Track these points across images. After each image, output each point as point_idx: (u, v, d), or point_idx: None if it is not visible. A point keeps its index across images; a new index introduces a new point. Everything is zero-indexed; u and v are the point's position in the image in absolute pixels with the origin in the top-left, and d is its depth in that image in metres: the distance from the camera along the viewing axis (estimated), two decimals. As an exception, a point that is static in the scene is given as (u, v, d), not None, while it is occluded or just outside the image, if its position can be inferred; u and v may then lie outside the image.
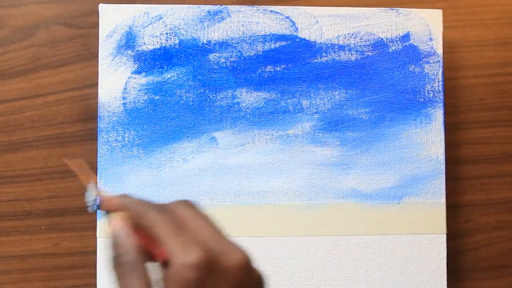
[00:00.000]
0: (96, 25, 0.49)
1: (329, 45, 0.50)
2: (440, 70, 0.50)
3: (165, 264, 0.28)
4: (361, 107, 0.50)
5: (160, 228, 0.28)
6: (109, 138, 0.48)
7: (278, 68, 0.49)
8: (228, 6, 0.49)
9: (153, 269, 0.30)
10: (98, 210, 0.32)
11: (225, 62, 0.49)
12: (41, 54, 0.51)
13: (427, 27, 0.50)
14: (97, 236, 0.47)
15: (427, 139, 0.50)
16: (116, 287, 0.30)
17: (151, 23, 0.49)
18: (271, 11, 0.49)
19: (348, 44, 0.50)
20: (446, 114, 0.51)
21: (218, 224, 0.29)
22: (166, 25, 0.49)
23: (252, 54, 0.49)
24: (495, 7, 0.54)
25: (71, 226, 0.50)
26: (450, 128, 0.52)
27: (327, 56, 0.50)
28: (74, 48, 0.51)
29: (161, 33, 0.49)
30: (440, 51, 0.50)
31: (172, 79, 0.48)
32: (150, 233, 0.29)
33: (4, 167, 0.50)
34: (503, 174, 0.53)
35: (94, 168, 0.49)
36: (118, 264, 0.30)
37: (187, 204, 0.30)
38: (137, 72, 0.48)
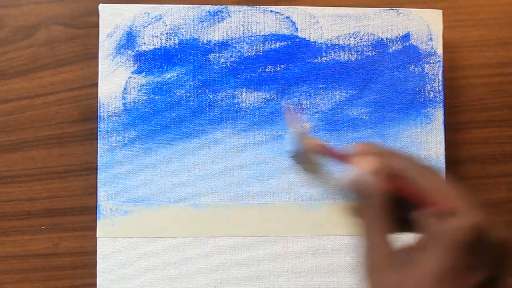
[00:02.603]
0: (96, 25, 0.49)
1: (329, 45, 0.50)
2: (440, 70, 0.50)
3: (442, 213, 0.27)
4: (361, 107, 0.50)
5: (432, 184, 0.28)
6: (109, 138, 0.48)
7: (278, 68, 0.49)
8: (228, 6, 0.49)
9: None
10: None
11: (225, 62, 0.49)
12: (41, 54, 0.51)
13: (427, 27, 0.50)
14: (97, 236, 0.47)
15: (427, 139, 0.50)
16: (360, 229, 0.29)
17: (151, 23, 0.49)
18: (271, 11, 0.49)
19: (348, 44, 0.50)
20: (446, 114, 0.51)
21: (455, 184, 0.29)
22: (166, 25, 0.49)
23: (252, 54, 0.49)
24: (495, 7, 0.54)
25: (71, 226, 0.50)
26: (450, 128, 0.52)
27: (327, 56, 0.50)
28: (74, 48, 0.51)
29: (161, 33, 0.49)
30: (440, 51, 0.50)
31: (172, 79, 0.48)
32: (415, 185, 0.28)
33: (4, 167, 0.50)
34: (503, 174, 0.53)
35: (94, 168, 0.49)
36: (366, 206, 0.29)
37: (416, 159, 0.30)
38: (137, 72, 0.48)
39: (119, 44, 0.48)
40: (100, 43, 0.48)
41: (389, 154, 0.30)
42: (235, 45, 0.49)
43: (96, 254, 0.47)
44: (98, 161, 0.47)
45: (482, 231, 0.27)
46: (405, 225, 0.30)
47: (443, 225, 0.27)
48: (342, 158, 0.32)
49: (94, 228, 0.48)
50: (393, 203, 0.29)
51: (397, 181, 0.29)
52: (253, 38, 0.49)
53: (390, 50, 0.50)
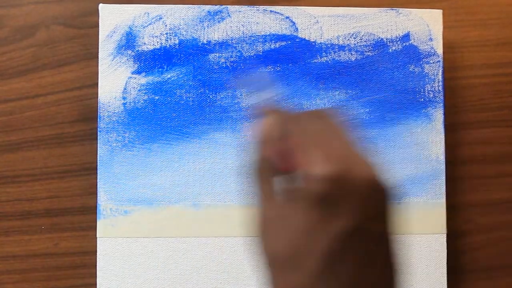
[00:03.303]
0: (96, 25, 0.49)
1: (329, 45, 0.50)
2: (440, 70, 0.50)
3: (291, 172, 0.28)
4: (361, 107, 0.50)
5: (301, 137, 0.28)
6: (109, 138, 0.48)
7: (278, 68, 0.49)
8: (228, 6, 0.49)
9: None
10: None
11: (225, 62, 0.49)
12: (41, 54, 0.51)
13: (427, 27, 0.50)
14: (97, 236, 0.47)
15: (427, 139, 0.50)
16: (255, 187, 0.29)
17: (151, 23, 0.49)
18: (271, 11, 0.49)
19: (348, 44, 0.50)
20: (446, 114, 0.51)
21: (352, 137, 0.29)
22: (166, 25, 0.49)
23: (252, 54, 0.49)
24: (495, 7, 0.54)
25: (71, 226, 0.50)
26: (450, 128, 0.52)
27: (327, 56, 0.50)
28: (74, 48, 0.51)
29: (161, 33, 0.49)
30: (440, 51, 0.50)
31: (172, 79, 0.48)
32: (285, 145, 0.29)
33: (4, 167, 0.50)
34: (503, 174, 0.53)
35: (94, 168, 0.49)
36: (262, 166, 0.29)
37: (321, 114, 0.30)
38: (137, 72, 0.48)
39: (119, 44, 0.48)
40: (100, 43, 0.48)
41: (274, 117, 0.30)
42: (235, 45, 0.49)
43: (96, 254, 0.47)
44: (98, 161, 0.47)
45: (332, 181, 0.26)
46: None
47: (297, 183, 0.27)
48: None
49: (94, 228, 0.48)
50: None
51: (283, 143, 0.29)
52: (253, 38, 0.49)
53: (390, 50, 0.50)
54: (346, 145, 0.29)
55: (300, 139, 0.28)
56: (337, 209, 0.26)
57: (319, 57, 0.49)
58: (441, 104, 0.50)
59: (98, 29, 0.48)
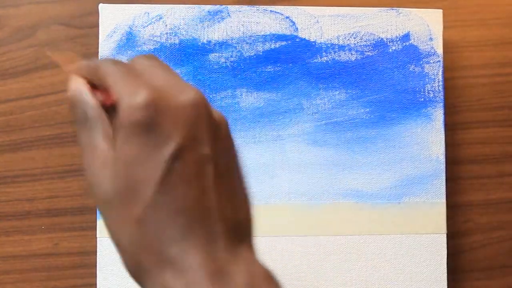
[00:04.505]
0: (96, 25, 0.49)
1: (329, 45, 0.50)
2: (440, 70, 0.50)
3: (110, 107, 0.28)
4: (361, 107, 0.50)
5: (111, 77, 0.28)
6: (109, 138, 0.48)
7: (278, 68, 0.49)
8: (228, 6, 0.49)
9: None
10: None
11: (225, 62, 0.49)
12: (41, 54, 0.51)
13: (427, 27, 0.50)
14: (97, 236, 0.47)
15: (427, 139, 0.50)
16: (79, 142, 0.29)
17: (151, 23, 0.49)
18: (271, 11, 0.49)
19: (348, 44, 0.50)
20: (446, 114, 0.51)
21: (177, 74, 0.29)
22: (166, 25, 0.49)
23: (252, 54, 0.49)
24: (495, 7, 0.54)
25: (71, 226, 0.50)
26: (450, 128, 0.52)
27: (327, 56, 0.50)
28: (74, 48, 0.51)
29: (161, 33, 0.49)
30: (440, 51, 0.50)
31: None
32: (103, 85, 0.28)
33: (4, 167, 0.50)
34: (503, 174, 0.53)
35: (94, 168, 0.49)
36: (80, 122, 0.29)
37: (148, 56, 0.29)
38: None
39: (119, 44, 0.48)
40: (100, 43, 0.48)
41: (87, 63, 0.30)
42: (235, 45, 0.49)
43: (96, 254, 0.47)
44: (98, 161, 0.47)
45: (151, 104, 0.26)
46: None
47: (117, 116, 0.27)
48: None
49: (94, 228, 0.48)
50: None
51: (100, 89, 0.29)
52: (253, 38, 0.49)
53: (390, 50, 0.50)
54: (167, 75, 0.28)
55: (117, 74, 0.28)
56: (161, 135, 0.26)
57: (319, 57, 0.49)
58: (441, 104, 0.50)
59: (98, 29, 0.48)
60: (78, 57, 0.32)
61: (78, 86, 0.29)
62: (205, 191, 0.26)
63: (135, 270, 0.26)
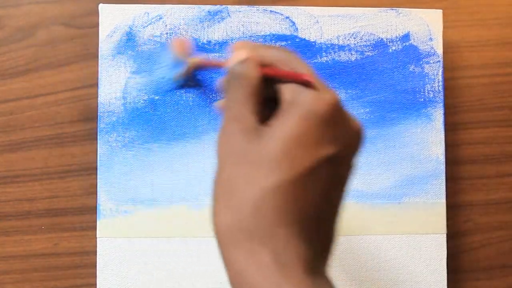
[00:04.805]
0: (96, 25, 0.49)
1: (329, 45, 0.50)
2: (440, 70, 0.50)
3: (304, 83, 0.29)
4: (361, 107, 0.50)
5: (303, 69, 0.30)
6: (109, 138, 0.48)
7: (278, 68, 0.49)
8: (228, 6, 0.49)
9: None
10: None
11: (225, 62, 0.49)
12: (41, 54, 0.51)
13: (427, 27, 0.50)
14: (97, 236, 0.47)
15: (427, 139, 0.50)
16: (225, 108, 0.30)
17: (151, 23, 0.49)
18: (271, 11, 0.49)
19: (348, 44, 0.50)
20: (446, 114, 0.51)
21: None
22: (166, 25, 0.49)
23: (252, 54, 0.49)
24: (495, 7, 0.54)
25: (71, 226, 0.50)
26: (450, 128, 0.52)
27: (327, 56, 0.50)
28: (74, 48, 0.51)
29: (161, 33, 0.49)
30: (440, 51, 0.50)
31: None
32: (289, 67, 0.30)
33: (4, 167, 0.50)
34: (503, 174, 0.53)
35: (94, 168, 0.49)
36: (233, 86, 0.30)
37: (293, 51, 0.32)
38: (137, 72, 0.48)
39: (119, 44, 0.48)
40: (100, 43, 0.48)
41: (261, 47, 0.32)
42: (235, 45, 0.49)
43: (96, 254, 0.47)
44: (98, 161, 0.47)
45: (339, 109, 0.28)
46: (272, 107, 0.31)
47: (303, 94, 0.28)
48: (223, 64, 0.34)
49: (94, 228, 0.48)
50: (262, 86, 0.30)
51: (268, 67, 0.31)
52: (253, 38, 0.49)
53: (390, 50, 0.50)
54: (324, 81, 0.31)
55: (306, 68, 0.30)
56: (327, 135, 0.27)
57: (319, 57, 0.49)
58: (441, 104, 0.50)
59: (98, 29, 0.48)
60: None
61: (244, 57, 0.30)
62: (331, 204, 0.29)
63: (241, 229, 0.27)
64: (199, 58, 0.34)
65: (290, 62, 0.31)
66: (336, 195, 0.29)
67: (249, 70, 0.30)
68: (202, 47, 0.49)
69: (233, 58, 0.31)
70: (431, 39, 0.50)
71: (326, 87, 0.30)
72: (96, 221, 0.47)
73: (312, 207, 0.27)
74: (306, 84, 0.29)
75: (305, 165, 0.27)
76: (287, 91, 0.29)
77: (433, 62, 0.50)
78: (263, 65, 0.31)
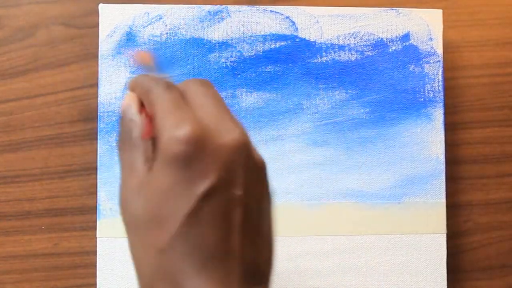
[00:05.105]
0: (96, 25, 0.49)
1: (329, 45, 0.50)
2: (440, 70, 0.50)
3: (150, 139, 0.28)
4: (361, 107, 0.50)
5: (159, 105, 0.28)
6: (109, 138, 0.48)
7: (278, 68, 0.49)
8: (228, 6, 0.49)
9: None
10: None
11: (225, 62, 0.49)
12: (41, 54, 0.51)
13: (427, 27, 0.50)
14: (97, 236, 0.47)
15: (427, 139, 0.50)
16: (119, 158, 0.30)
17: (151, 23, 0.49)
18: (271, 11, 0.49)
19: (348, 44, 0.50)
20: (446, 114, 0.51)
21: (226, 106, 0.29)
22: (166, 25, 0.49)
23: (252, 54, 0.49)
24: (495, 7, 0.54)
25: (71, 226, 0.50)
26: (450, 128, 0.52)
27: (327, 56, 0.50)
28: (74, 48, 0.51)
29: (161, 33, 0.49)
30: (440, 51, 0.50)
31: (172, 79, 0.48)
32: (151, 110, 0.29)
33: (4, 167, 0.50)
34: (503, 174, 0.53)
35: (94, 168, 0.49)
36: (122, 139, 0.29)
37: (203, 83, 0.30)
38: (137, 72, 0.48)
39: (119, 44, 0.48)
40: (100, 43, 0.48)
41: (141, 81, 0.30)
42: (235, 45, 0.49)
43: (96, 254, 0.47)
44: (98, 161, 0.47)
45: (196, 140, 0.26)
46: None
47: (160, 139, 0.27)
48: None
49: (94, 228, 0.48)
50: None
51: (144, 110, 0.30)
52: (253, 38, 0.49)
53: (390, 50, 0.50)
54: (217, 109, 0.28)
55: (165, 103, 0.28)
56: (197, 171, 0.26)
57: (319, 57, 0.49)
58: (441, 104, 0.50)
59: (98, 29, 0.48)
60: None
61: (130, 103, 0.30)
62: (230, 232, 0.27)
63: None
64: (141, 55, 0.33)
65: (153, 98, 0.29)
66: (238, 217, 0.27)
67: (133, 119, 0.29)
68: (202, 47, 0.49)
69: (122, 103, 0.30)
70: (431, 39, 0.50)
71: (177, 119, 0.27)
72: (96, 221, 0.47)
73: (212, 242, 0.26)
74: (151, 140, 0.28)
75: (185, 211, 0.26)
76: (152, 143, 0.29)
77: (433, 62, 0.50)
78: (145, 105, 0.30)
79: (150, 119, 0.29)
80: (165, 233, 0.26)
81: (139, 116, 0.29)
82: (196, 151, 0.26)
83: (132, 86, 0.31)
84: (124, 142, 0.29)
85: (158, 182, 0.27)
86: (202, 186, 0.26)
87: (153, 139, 0.29)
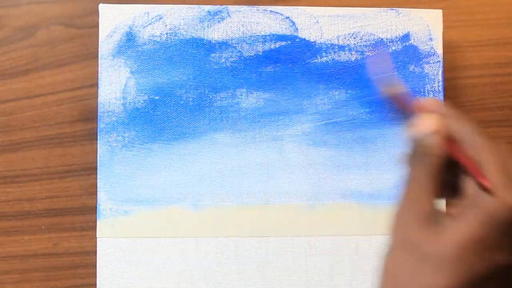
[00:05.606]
0: (96, 25, 0.49)
1: (329, 45, 0.50)
2: (440, 70, 0.50)
3: (483, 188, 0.27)
4: (361, 107, 0.50)
5: (490, 156, 0.27)
6: (109, 138, 0.48)
7: (278, 68, 0.49)
8: (228, 6, 0.49)
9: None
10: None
11: (225, 62, 0.49)
12: (41, 54, 0.51)
13: (427, 27, 0.50)
14: (97, 236, 0.47)
15: (427, 139, 0.50)
16: (404, 182, 0.29)
17: (151, 23, 0.49)
18: (271, 11, 0.49)
19: (348, 44, 0.50)
20: (446, 114, 0.51)
21: None
22: (166, 25, 0.49)
23: (252, 54, 0.49)
24: (495, 7, 0.54)
25: (71, 226, 0.50)
26: (450, 128, 0.52)
27: (327, 56, 0.50)
28: (74, 48, 0.51)
29: (161, 33, 0.49)
30: (440, 51, 0.50)
31: (172, 79, 0.48)
32: (473, 154, 0.28)
33: (4, 167, 0.50)
34: (503, 174, 0.53)
35: (94, 168, 0.49)
36: (417, 162, 0.29)
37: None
38: (137, 72, 0.48)
39: (119, 44, 0.48)
40: (100, 43, 0.48)
41: (453, 115, 0.30)
42: (235, 45, 0.49)
43: (96, 254, 0.47)
44: (98, 161, 0.47)
45: None
46: (450, 189, 0.30)
47: (484, 198, 0.27)
48: (411, 109, 0.31)
49: (94, 228, 0.48)
50: (445, 165, 0.29)
51: (454, 145, 0.29)
52: (253, 38, 0.49)
53: (390, 50, 0.50)
54: None
55: (494, 155, 0.28)
56: (509, 243, 0.26)
57: (319, 57, 0.49)
58: (441, 104, 0.50)
59: (98, 29, 0.48)
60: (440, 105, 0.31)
61: (433, 129, 0.29)
62: None
63: None
64: (395, 89, 0.32)
65: (478, 146, 0.28)
66: None
67: (435, 147, 0.28)
68: (202, 47, 0.49)
69: (421, 125, 0.29)
70: (431, 39, 0.50)
71: (508, 184, 0.27)
72: (96, 221, 0.47)
73: None
74: (483, 189, 0.27)
75: (477, 271, 0.26)
76: (471, 183, 0.28)
77: (433, 62, 0.50)
78: (449, 139, 0.29)
79: (465, 157, 0.28)
80: (446, 277, 0.26)
81: (442, 146, 0.28)
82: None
83: (437, 111, 0.30)
84: (416, 163, 0.29)
85: (465, 229, 0.26)
86: (505, 258, 0.26)
87: (453, 184, 0.28)
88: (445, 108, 0.30)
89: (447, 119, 0.30)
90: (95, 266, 0.47)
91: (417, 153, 0.29)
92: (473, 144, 0.28)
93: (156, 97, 0.48)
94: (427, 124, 0.29)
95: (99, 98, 0.48)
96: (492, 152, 0.28)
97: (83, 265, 0.50)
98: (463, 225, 0.26)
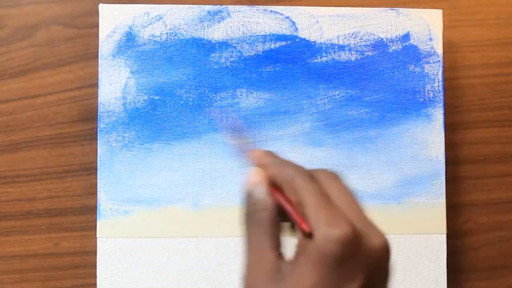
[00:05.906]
0: (96, 25, 0.49)
1: (329, 45, 0.50)
2: (440, 70, 0.50)
3: (304, 233, 0.27)
4: (361, 107, 0.50)
5: (307, 196, 0.27)
6: (109, 138, 0.48)
7: (278, 68, 0.49)
8: (228, 6, 0.49)
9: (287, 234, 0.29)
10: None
11: (225, 62, 0.49)
12: (41, 54, 0.51)
13: (427, 27, 0.50)
14: (97, 236, 0.47)
15: (427, 139, 0.50)
16: (244, 242, 0.29)
17: (151, 23, 0.49)
18: (271, 11, 0.49)
19: (348, 44, 0.50)
20: (446, 114, 0.51)
21: (361, 203, 0.28)
22: (166, 25, 0.49)
23: (252, 54, 0.49)
24: (495, 7, 0.54)
25: (71, 226, 0.50)
26: (450, 128, 0.52)
27: (327, 56, 0.50)
28: (74, 48, 0.51)
29: (161, 33, 0.49)
30: (440, 51, 0.50)
31: (172, 79, 0.48)
32: (295, 198, 0.28)
33: (4, 167, 0.50)
34: (503, 174, 0.53)
35: (94, 168, 0.49)
36: (251, 220, 0.29)
37: (333, 175, 0.29)
38: (137, 72, 0.48)
39: (119, 44, 0.48)
40: (100, 43, 0.48)
41: (276, 163, 0.30)
42: (235, 45, 0.49)
43: (96, 254, 0.47)
44: (98, 161, 0.47)
45: (351, 240, 0.26)
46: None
47: (309, 242, 0.27)
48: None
49: (94, 228, 0.48)
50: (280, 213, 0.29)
51: (280, 193, 0.29)
52: (253, 38, 0.49)
53: (390, 50, 0.50)
54: (358, 209, 0.28)
55: (313, 196, 0.27)
56: (346, 272, 0.26)
57: (319, 57, 0.49)
58: (441, 104, 0.50)
59: (98, 29, 0.48)
60: (270, 155, 0.31)
61: (259, 181, 0.29)
62: None
63: None
64: (241, 143, 0.33)
65: (298, 189, 0.28)
66: None
67: (263, 200, 0.28)
68: (202, 47, 0.49)
69: (249, 179, 0.29)
70: (431, 39, 0.50)
71: (331, 217, 0.27)
72: (96, 221, 0.47)
73: None
74: (304, 234, 0.27)
75: None
76: (297, 234, 0.28)
77: (433, 62, 0.50)
78: (276, 188, 0.29)
79: (292, 206, 0.28)
80: None
81: (269, 198, 0.28)
82: (350, 252, 0.26)
83: (260, 163, 0.30)
84: (250, 222, 0.28)
85: (303, 278, 0.26)
86: (353, 286, 0.26)
87: (291, 225, 0.28)
88: (267, 158, 0.30)
89: (270, 168, 0.29)
90: (95, 266, 0.47)
91: (250, 211, 0.29)
92: (294, 187, 0.28)
93: (156, 97, 0.48)
94: (252, 178, 0.29)
95: (99, 98, 0.48)
96: (310, 191, 0.28)
97: (83, 265, 0.50)
98: (298, 275, 0.26)
